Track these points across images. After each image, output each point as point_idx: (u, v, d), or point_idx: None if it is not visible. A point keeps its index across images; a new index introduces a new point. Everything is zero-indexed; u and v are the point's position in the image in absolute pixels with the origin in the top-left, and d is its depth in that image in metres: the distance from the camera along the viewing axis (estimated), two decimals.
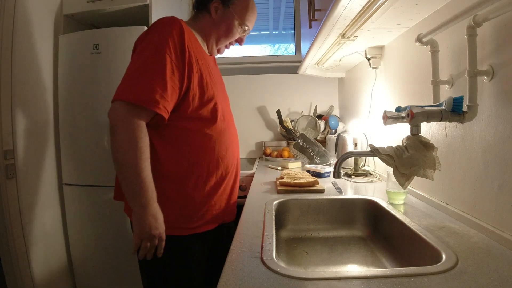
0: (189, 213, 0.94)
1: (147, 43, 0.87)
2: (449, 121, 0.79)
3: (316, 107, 2.40)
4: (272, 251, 0.67)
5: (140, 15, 1.82)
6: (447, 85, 0.91)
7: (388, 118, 0.92)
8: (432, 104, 0.89)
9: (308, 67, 1.94)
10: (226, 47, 1.11)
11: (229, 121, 1.05)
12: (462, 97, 0.75)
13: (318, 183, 1.23)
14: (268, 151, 2.24)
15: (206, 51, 1.06)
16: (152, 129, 0.89)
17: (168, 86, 0.84)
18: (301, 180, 1.22)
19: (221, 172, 0.98)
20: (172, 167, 0.92)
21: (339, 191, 1.19)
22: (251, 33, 2.70)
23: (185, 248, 0.94)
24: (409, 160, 0.82)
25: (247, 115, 2.45)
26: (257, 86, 2.45)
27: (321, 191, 1.17)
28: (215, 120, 0.96)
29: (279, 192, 1.16)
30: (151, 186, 0.82)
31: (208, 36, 1.05)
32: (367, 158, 1.59)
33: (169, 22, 0.89)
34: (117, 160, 0.81)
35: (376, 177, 1.42)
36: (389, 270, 0.59)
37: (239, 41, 1.12)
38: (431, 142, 0.83)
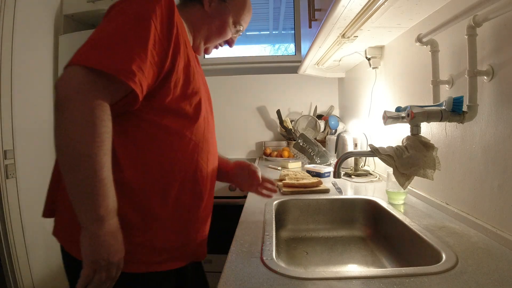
0: (151, 240, 0.68)
1: (126, 7, 0.65)
2: (449, 121, 0.79)
3: (316, 107, 2.40)
4: (272, 251, 0.67)
5: None
6: (447, 85, 0.91)
7: (388, 118, 0.92)
8: (432, 104, 0.89)
9: (308, 67, 1.94)
10: (215, 47, 0.94)
11: (212, 129, 0.85)
12: (462, 97, 0.75)
13: (321, 183, 1.23)
14: (268, 151, 2.24)
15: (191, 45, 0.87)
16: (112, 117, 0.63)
17: (149, 59, 0.63)
18: (305, 181, 1.22)
19: (199, 188, 0.75)
20: (135, 175, 0.67)
21: (339, 191, 1.19)
22: (251, 33, 2.71)
23: None
24: (409, 160, 0.82)
25: (247, 115, 2.45)
26: (257, 86, 2.45)
27: (326, 191, 1.17)
28: (197, 119, 0.75)
29: (284, 193, 1.15)
30: (112, 192, 0.58)
31: (197, 30, 0.86)
32: (367, 158, 1.59)
33: None
34: (64, 150, 0.56)
35: (376, 177, 1.42)
36: (389, 270, 0.59)
37: (230, 42, 0.95)
38: (431, 142, 0.83)
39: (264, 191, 0.98)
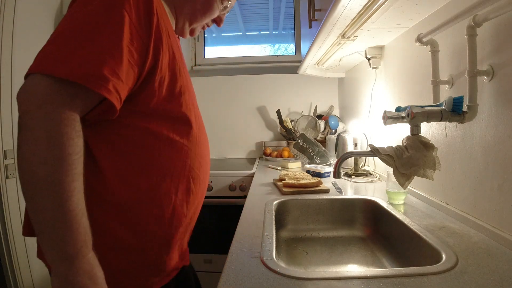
0: (149, 260, 0.63)
1: None
2: (449, 121, 0.79)
3: (316, 107, 2.40)
4: (272, 251, 0.67)
5: None
6: (447, 85, 0.91)
7: (388, 118, 0.92)
8: (432, 104, 0.89)
9: (308, 67, 1.94)
10: (202, 28, 0.84)
11: (202, 128, 0.75)
12: (462, 97, 0.76)
13: (322, 183, 1.23)
14: (268, 151, 2.24)
15: (173, 29, 0.77)
16: (90, 129, 0.56)
17: (124, 58, 0.52)
18: (305, 181, 1.22)
19: (193, 198, 0.69)
20: (124, 191, 0.59)
21: (339, 191, 1.19)
22: (251, 33, 2.71)
23: None
24: (409, 160, 0.82)
25: (247, 115, 2.45)
26: (257, 86, 2.45)
27: (326, 191, 1.17)
28: (188, 121, 0.67)
29: (284, 193, 1.15)
30: (84, 223, 0.49)
31: (180, 11, 0.76)
32: (367, 158, 1.59)
33: None
34: (23, 175, 0.47)
35: (376, 177, 1.42)
36: (389, 270, 0.59)
37: (218, 21, 0.84)
38: (431, 142, 0.83)
39: None
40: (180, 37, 0.83)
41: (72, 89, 0.49)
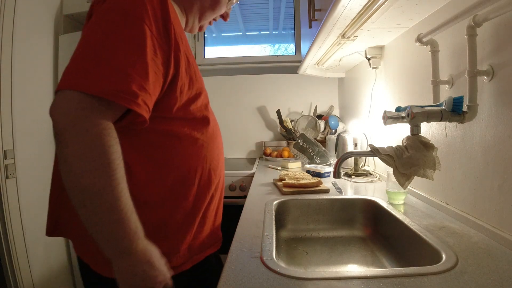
0: (176, 246, 0.68)
1: (113, 5, 0.57)
2: (449, 121, 0.79)
3: (316, 107, 2.40)
4: (272, 251, 0.67)
5: None
6: (447, 85, 0.91)
7: (388, 118, 0.92)
8: (432, 104, 0.89)
9: (308, 67, 1.94)
10: (210, 23, 0.87)
11: (216, 122, 0.82)
12: (462, 97, 0.75)
13: (321, 183, 1.23)
14: (268, 151, 2.24)
15: (184, 27, 0.81)
16: (119, 134, 0.56)
17: (150, 72, 0.56)
18: (305, 181, 1.21)
19: (214, 187, 0.75)
20: (153, 190, 0.65)
21: (339, 191, 1.19)
22: (251, 33, 2.71)
23: None
24: (409, 160, 0.82)
25: (247, 115, 2.45)
26: (257, 86, 2.45)
27: (326, 191, 1.17)
28: (207, 120, 0.73)
29: (284, 193, 1.15)
30: (133, 218, 0.54)
31: (189, 9, 0.78)
32: (367, 158, 1.59)
33: None
34: (72, 187, 0.51)
35: (376, 177, 1.42)
36: (389, 270, 0.59)
37: (224, 16, 0.88)
38: (431, 142, 0.83)
39: None
40: None
41: (104, 103, 0.52)
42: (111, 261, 0.55)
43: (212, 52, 2.60)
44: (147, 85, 0.56)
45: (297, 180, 1.24)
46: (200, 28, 0.86)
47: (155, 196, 0.65)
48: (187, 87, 0.66)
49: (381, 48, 1.40)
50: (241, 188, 1.77)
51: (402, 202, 1.01)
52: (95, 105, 0.52)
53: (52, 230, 0.70)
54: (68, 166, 0.51)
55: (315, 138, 2.12)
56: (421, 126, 0.85)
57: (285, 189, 1.17)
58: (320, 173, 1.47)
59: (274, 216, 0.91)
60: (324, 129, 2.18)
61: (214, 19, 0.87)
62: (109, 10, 0.57)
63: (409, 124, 0.85)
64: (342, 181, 1.37)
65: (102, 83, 0.52)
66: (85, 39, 0.57)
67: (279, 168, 1.80)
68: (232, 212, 1.75)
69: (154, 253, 0.57)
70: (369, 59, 1.43)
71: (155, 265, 0.56)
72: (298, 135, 1.99)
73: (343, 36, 1.22)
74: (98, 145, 0.51)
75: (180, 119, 0.67)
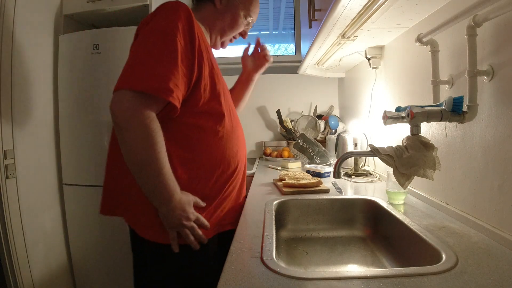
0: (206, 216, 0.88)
1: (154, 26, 0.78)
2: (449, 121, 0.79)
3: (316, 107, 2.40)
4: (272, 251, 0.67)
5: (140, 15, 1.82)
6: (447, 85, 0.91)
7: (388, 118, 0.92)
8: (432, 104, 0.89)
9: (308, 67, 1.94)
10: (230, 40, 1.06)
11: (237, 117, 1.01)
12: (462, 97, 0.75)
13: (321, 183, 1.23)
14: (268, 151, 2.24)
15: (208, 43, 1.00)
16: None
17: (180, 74, 0.76)
18: (305, 181, 1.21)
19: (231, 171, 0.92)
20: (182, 170, 0.83)
21: (339, 191, 1.19)
22: (251, 33, 2.70)
23: (191, 256, 0.85)
24: (409, 160, 0.82)
25: (247, 115, 2.45)
26: (257, 86, 2.42)
27: (326, 191, 1.17)
28: (225, 113, 0.89)
29: (284, 193, 1.15)
30: (172, 180, 0.77)
31: (212, 28, 0.99)
32: (367, 158, 1.59)
33: (176, 6, 0.81)
34: (132, 162, 0.74)
35: (376, 177, 1.42)
36: (389, 270, 0.59)
37: (243, 34, 1.07)
38: (431, 142, 0.83)
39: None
40: None
41: (149, 99, 0.73)
42: (152, 224, 0.81)
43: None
44: (179, 83, 0.75)
45: (297, 180, 1.24)
46: (222, 44, 1.06)
47: (183, 176, 0.83)
48: (209, 87, 0.84)
49: (381, 48, 1.40)
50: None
51: (402, 202, 1.01)
52: (142, 100, 0.72)
53: (106, 209, 0.91)
54: (128, 146, 0.73)
55: (315, 138, 2.12)
56: (421, 126, 0.85)
57: (285, 189, 1.17)
58: (320, 173, 1.47)
59: (274, 216, 0.91)
60: (324, 129, 2.18)
61: (234, 37, 1.06)
62: (151, 29, 0.78)
63: (409, 124, 0.85)
64: (342, 181, 1.37)
65: (147, 82, 0.72)
66: (134, 53, 0.78)
67: (279, 168, 1.80)
68: None
69: (187, 203, 0.79)
70: (369, 59, 1.43)
71: (187, 210, 0.79)
72: (298, 135, 1.99)
73: (343, 36, 1.22)
74: (148, 130, 0.72)
75: (204, 113, 0.85)
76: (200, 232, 0.83)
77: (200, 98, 0.82)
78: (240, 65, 1.33)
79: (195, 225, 0.81)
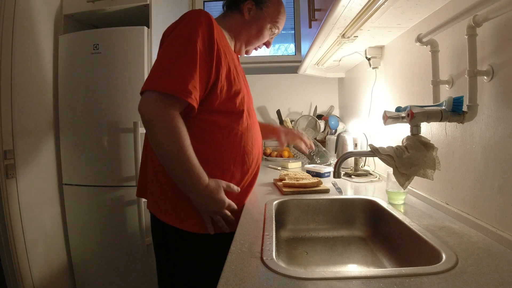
0: None
1: (177, 34, 0.85)
2: (449, 121, 0.79)
3: (316, 107, 2.40)
4: (272, 251, 0.67)
5: (140, 15, 1.82)
6: (447, 85, 0.91)
7: (388, 118, 0.92)
8: (432, 104, 0.89)
9: (308, 67, 1.94)
10: (255, 49, 1.12)
11: (254, 118, 1.05)
12: (462, 97, 0.75)
13: (321, 183, 1.23)
14: (268, 151, 2.24)
15: (233, 49, 1.06)
16: None
17: (199, 77, 0.83)
18: (305, 181, 1.21)
19: (246, 168, 0.98)
20: (200, 163, 0.88)
21: (339, 191, 1.19)
22: None
23: (210, 246, 0.93)
24: (409, 160, 0.82)
25: None
26: (257, 86, 2.45)
27: (326, 191, 1.17)
28: (242, 114, 0.95)
29: (284, 193, 1.15)
30: (198, 169, 0.84)
31: (238, 36, 1.05)
32: (367, 158, 1.59)
33: (198, 15, 0.88)
34: (161, 155, 0.83)
35: (376, 177, 1.42)
36: (389, 270, 0.59)
37: (267, 44, 1.12)
38: (431, 142, 0.83)
39: (303, 146, 1.32)
40: None
41: (172, 99, 0.81)
42: (168, 209, 0.92)
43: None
44: (197, 85, 0.82)
45: (297, 180, 1.24)
46: (246, 52, 1.11)
47: (203, 166, 0.88)
48: (225, 88, 0.90)
49: (381, 48, 1.40)
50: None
51: (402, 202, 1.01)
52: (166, 100, 0.80)
53: (140, 192, 1.04)
54: (156, 141, 0.81)
55: (315, 138, 2.12)
56: (421, 126, 0.85)
57: (285, 189, 1.17)
58: (320, 173, 1.47)
59: (274, 216, 0.91)
60: (324, 129, 2.18)
61: (259, 46, 1.12)
62: (175, 37, 0.85)
63: (409, 124, 0.85)
64: (342, 181, 1.37)
65: (169, 84, 0.80)
66: (159, 58, 0.85)
67: (279, 168, 1.80)
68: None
69: (214, 189, 0.87)
70: (369, 59, 1.43)
71: (215, 196, 0.87)
72: None
73: (343, 36, 1.22)
74: (173, 126, 0.80)
75: (221, 112, 0.91)
76: (230, 216, 0.91)
77: (216, 98, 0.89)
78: (261, 64, 1.38)
79: (224, 211, 0.89)
